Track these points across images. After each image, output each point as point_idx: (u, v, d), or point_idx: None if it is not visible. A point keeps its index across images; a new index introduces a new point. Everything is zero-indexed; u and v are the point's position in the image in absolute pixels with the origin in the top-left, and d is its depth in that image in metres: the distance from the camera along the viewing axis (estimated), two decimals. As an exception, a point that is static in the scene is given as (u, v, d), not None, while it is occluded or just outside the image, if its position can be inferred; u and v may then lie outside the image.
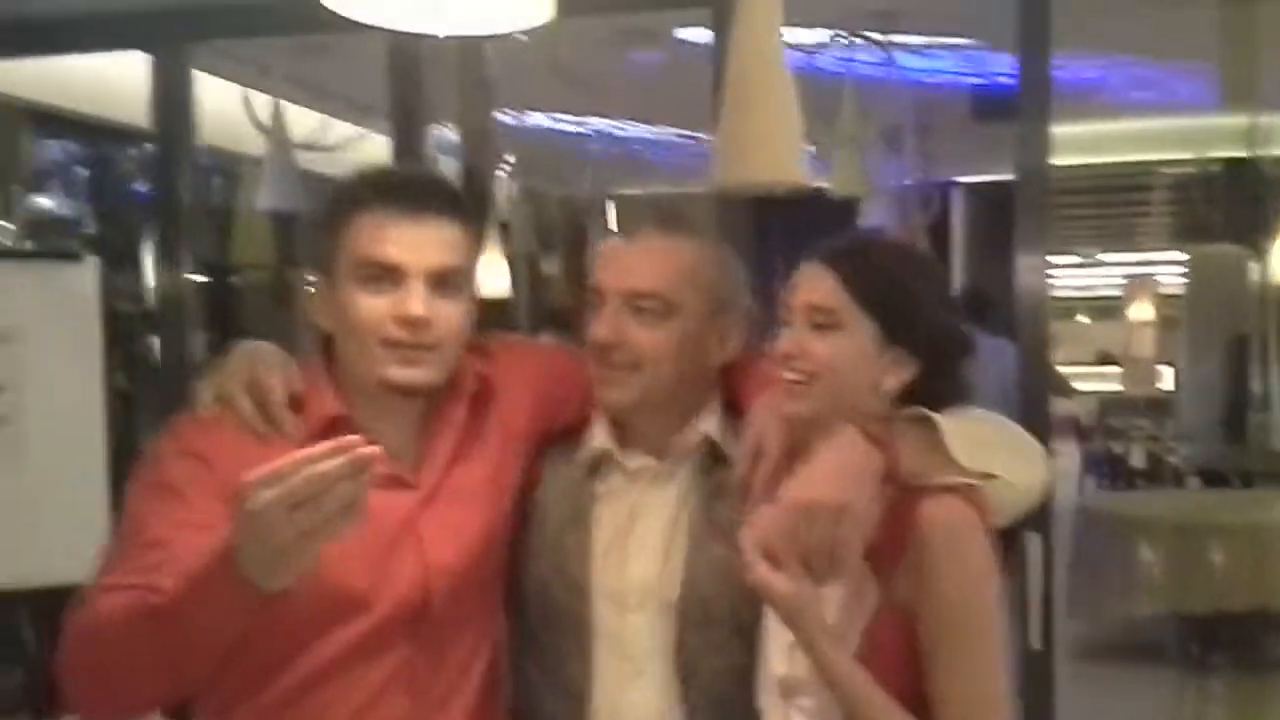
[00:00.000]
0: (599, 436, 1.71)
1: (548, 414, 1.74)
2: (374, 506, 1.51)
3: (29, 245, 4.59)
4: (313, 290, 1.58)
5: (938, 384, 1.53)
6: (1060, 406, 8.62)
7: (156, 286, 3.64)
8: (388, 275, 1.51)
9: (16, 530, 3.11)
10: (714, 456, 1.69)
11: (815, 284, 1.53)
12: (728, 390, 1.72)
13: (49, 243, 4.78)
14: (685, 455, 1.69)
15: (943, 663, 1.42)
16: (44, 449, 3.27)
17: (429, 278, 1.52)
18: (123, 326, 4.74)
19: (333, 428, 1.51)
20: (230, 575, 1.22)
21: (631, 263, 1.69)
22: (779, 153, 1.97)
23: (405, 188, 1.55)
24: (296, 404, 1.55)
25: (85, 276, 3.50)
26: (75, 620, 1.38)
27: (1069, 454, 9.64)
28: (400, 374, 1.52)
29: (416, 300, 1.50)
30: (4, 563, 3.04)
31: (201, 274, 4.08)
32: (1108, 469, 9.64)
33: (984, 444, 1.49)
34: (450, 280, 1.55)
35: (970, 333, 1.59)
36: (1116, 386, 13.10)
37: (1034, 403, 2.93)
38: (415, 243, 1.51)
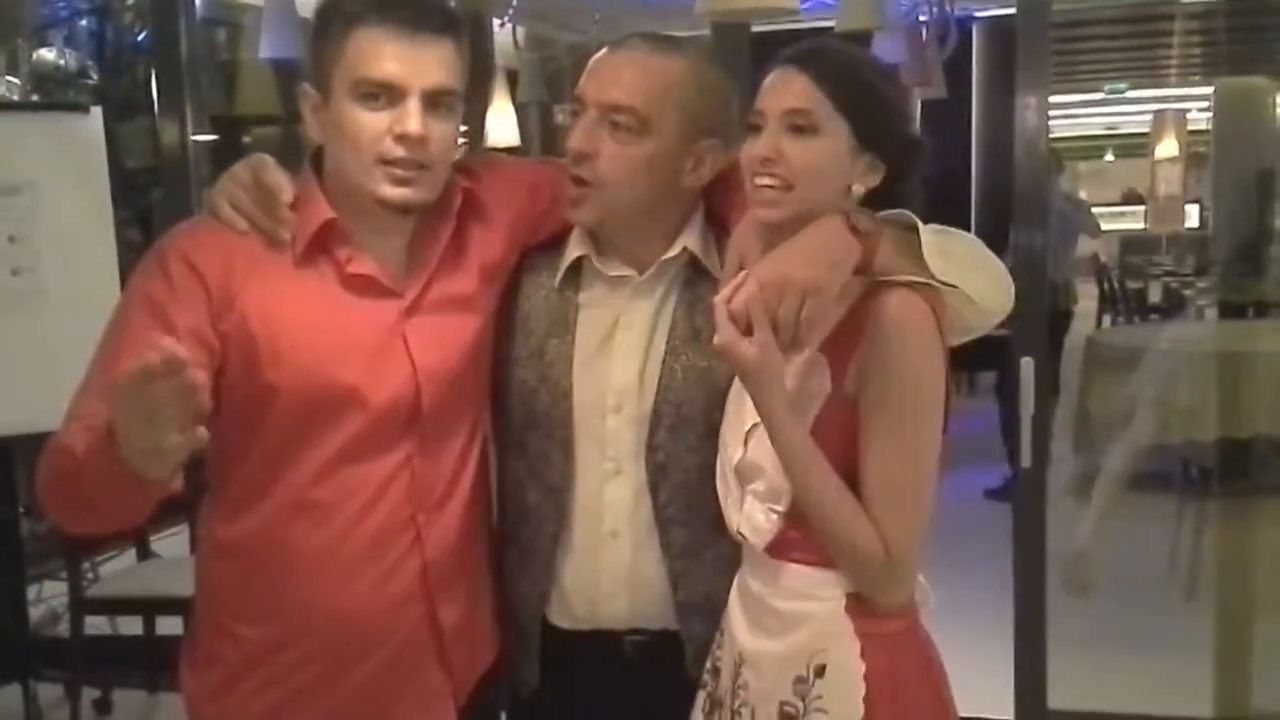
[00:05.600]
0: (576, 245, 1.74)
1: (529, 226, 1.78)
2: (363, 313, 1.61)
3: (35, 98, 4.62)
4: (307, 101, 1.62)
5: (898, 190, 1.55)
6: (1082, 246, 8.58)
7: (160, 141, 3.65)
8: (385, 93, 1.54)
9: (37, 376, 3.19)
10: (695, 269, 1.72)
11: (790, 86, 1.51)
12: (713, 204, 1.74)
13: (55, 96, 4.79)
14: (667, 268, 1.72)
15: (869, 441, 1.47)
16: (60, 297, 3.34)
17: (425, 96, 1.55)
18: (133, 181, 4.77)
19: (326, 232, 1.60)
20: (116, 455, 1.34)
21: (614, 74, 1.66)
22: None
23: (403, 5, 1.55)
24: (294, 208, 1.62)
25: (91, 127, 3.53)
26: (45, 448, 1.51)
27: (1088, 293, 9.62)
28: (394, 192, 1.57)
29: (415, 118, 1.53)
30: (27, 408, 3.13)
31: (210, 132, 4.07)
32: (1124, 305, 9.63)
33: (956, 258, 1.52)
34: (444, 101, 1.58)
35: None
36: (1141, 225, 12.99)
37: (1032, 244, 2.94)
38: (413, 61, 1.54)
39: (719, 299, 1.46)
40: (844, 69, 1.52)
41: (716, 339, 1.45)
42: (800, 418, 1.49)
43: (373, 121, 1.54)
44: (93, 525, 1.58)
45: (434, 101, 1.56)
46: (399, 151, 1.54)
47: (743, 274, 1.47)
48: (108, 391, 1.28)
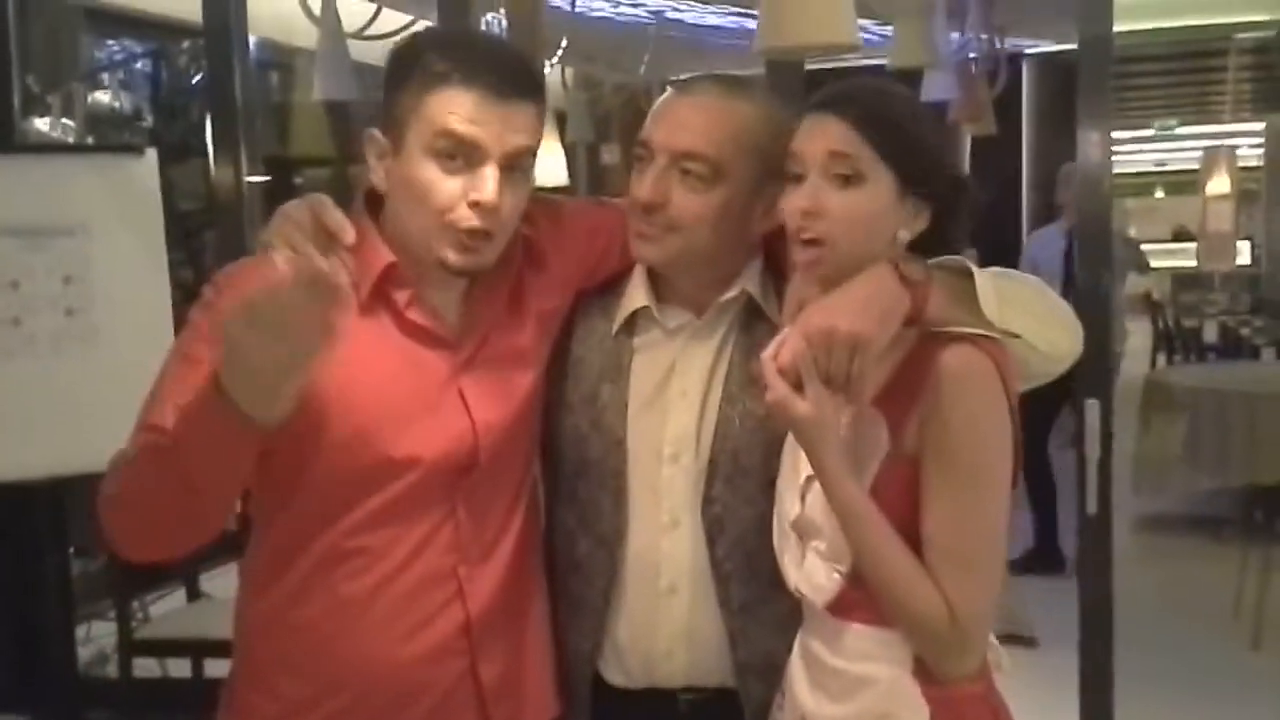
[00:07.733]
0: (637, 294, 1.69)
1: (587, 270, 1.73)
2: (420, 365, 1.56)
3: (90, 141, 4.66)
4: (374, 147, 1.55)
5: (948, 231, 1.49)
6: (1134, 283, 8.48)
7: (213, 183, 3.67)
8: (464, 153, 1.48)
9: (91, 417, 3.19)
10: (753, 314, 1.67)
11: (827, 130, 1.44)
12: (771, 249, 1.69)
13: (109, 138, 4.84)
14: (725, 311, 1.67)
15: (932, 502, 1.40)
16: (113, 338, 3.33)
17: (504, 160, 1.49)
18: (186, 223, 4.81)
19: (387, 277, 1.55)
20: (221, 406, 1.27)
21: (683, 119, 1.60)
22: (822, 12, 1.93)
23: (495, 68, 1.49)
24: (351, 252, 1.57)
25: (145, 169, 3.55)
26: (111, 463, 1.45)
27: (1141, 331, 9.51)
28: (458, 259, 1.52)
29: (491, 184, 1.48)
30: (78, 449, 3.13)
31: (263, 173, 4.09)
32: (1179, 344, 9.49)
33: (1017, 304, 1.46)
34: (521, 163, 1.53)
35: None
36: (1192, 262, 12.86)
37: (1095, 283, 2.87)
38: (498, 126, 1.48)
39: (766, 354, 1.41)
40: (879, 112, 1.45)
41: (768, 396, 1.40)
42: (859, 476, 1.42)
43: (447, 185, 1.49)
44: (169, 532, 1.47)
45: (511, 165, 1.51)
46: (471, 221, 1.49)
47: (788, 329, 1.42)
48: (232, 313, 1.20)
